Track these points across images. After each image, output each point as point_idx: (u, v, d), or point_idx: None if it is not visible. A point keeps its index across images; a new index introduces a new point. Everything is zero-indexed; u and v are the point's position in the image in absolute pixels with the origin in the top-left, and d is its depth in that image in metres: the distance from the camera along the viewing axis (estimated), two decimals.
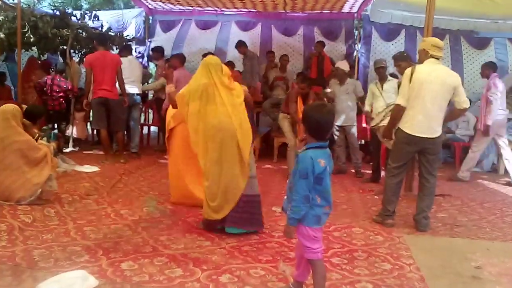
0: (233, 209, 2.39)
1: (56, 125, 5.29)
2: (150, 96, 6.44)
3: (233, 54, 6.63)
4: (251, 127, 2.50)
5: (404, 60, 3.67)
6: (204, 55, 5.01)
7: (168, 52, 6.26)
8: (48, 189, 2.82)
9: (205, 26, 6.94)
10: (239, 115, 2.43)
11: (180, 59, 4.92)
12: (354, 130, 4.57)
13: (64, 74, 5.21)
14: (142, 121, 6.25)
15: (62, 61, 5.50)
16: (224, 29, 6.91)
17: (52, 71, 5.30)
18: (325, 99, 4.45)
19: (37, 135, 3.19)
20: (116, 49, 5.64)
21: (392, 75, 4.42)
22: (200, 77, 2.51)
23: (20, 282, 1.77)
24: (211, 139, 2.39)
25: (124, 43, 5.74)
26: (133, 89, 4.85)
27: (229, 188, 2.39)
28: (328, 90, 4.29)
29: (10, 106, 2.89)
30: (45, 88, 4.94)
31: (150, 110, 6.74)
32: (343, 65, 4.61)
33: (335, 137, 4.58)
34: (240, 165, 2.39)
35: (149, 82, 6.09)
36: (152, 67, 6.89)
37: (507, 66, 6.29)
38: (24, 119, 3.11)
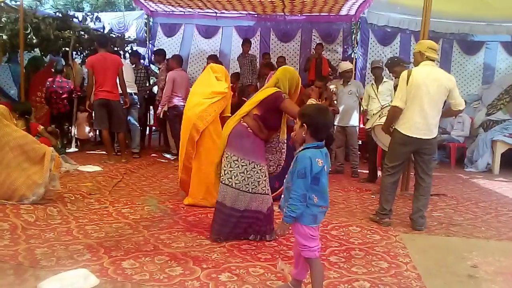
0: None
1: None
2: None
3: (234, 57, 6.77)
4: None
5: (398, 65, 3.75)
6: (209, 57, 5.05)
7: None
8: (51, 188, 2.85)
9: (207, 34, 7.02)
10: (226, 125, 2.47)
11: (177, 60, 4.98)
12: (355, 131, 4.60)
13: (63, 74, 5.24)
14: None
15: (63, 62, 5.55)
16: (225, 38, 7.02)
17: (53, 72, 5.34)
18: (329, 95, 4.49)
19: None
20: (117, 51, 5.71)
21: None
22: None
23: (23, 281, 1.79)
24: None
25: (116, 47, 5.80)
26: (130, 89, 4.90)
27: None
28: (332, 86, 4.35)
29: None
30: (51, 92, 4.98)
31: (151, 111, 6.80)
32: (347, 65, 4.66)
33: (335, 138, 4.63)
34: None
35: (150, 82, 6.16)
36: (153, 68, 6.96)
37: (494, 70, 6.36)
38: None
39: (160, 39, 7.14)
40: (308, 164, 1.57)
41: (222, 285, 1.83)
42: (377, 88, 4.15)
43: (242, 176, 2.30)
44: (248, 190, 2.32)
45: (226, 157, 2.34)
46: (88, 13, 6.16)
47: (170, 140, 5.28)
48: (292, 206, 1.60)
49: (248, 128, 2.35)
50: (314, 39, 6.73)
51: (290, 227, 1.67)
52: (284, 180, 1.74)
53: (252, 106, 2.36)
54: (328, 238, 2.48)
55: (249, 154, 2.32)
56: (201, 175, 3.03)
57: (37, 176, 2.78)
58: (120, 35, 6.33)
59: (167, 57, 5.66)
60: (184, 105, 4.54)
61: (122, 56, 5.49)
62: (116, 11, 9.93)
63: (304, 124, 1.65)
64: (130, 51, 6.29)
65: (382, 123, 3.02)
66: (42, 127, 3.69)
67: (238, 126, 2.36)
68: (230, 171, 2.31)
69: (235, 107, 3.18)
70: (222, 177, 2.34)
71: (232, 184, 2.31)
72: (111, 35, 6.11)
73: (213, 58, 4.77)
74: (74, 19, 5.44)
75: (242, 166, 2.30)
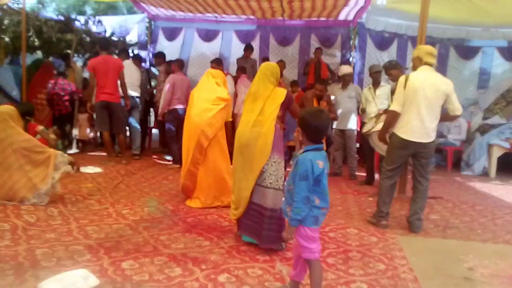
0: (244, 215, 2.35)
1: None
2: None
3: (234, 60, 6.82)
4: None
5: (395, 68, 3.80)
6: (213, 61, 5.13)
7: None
8: (52, 190, 2.87)
9: (207, 38, 7.08)
10: (261, 125, 2.31)
11: (179, 64, 5.02)
12: (354, 134, 4.63)
13: (64, 76, 5.28)
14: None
15: (64, 64, 5.59)
16: (225, 42, 7.09)
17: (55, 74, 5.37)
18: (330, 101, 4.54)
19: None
20: (117, 53, 5.75)
21: None
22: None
23: (23, 281, 1.80)
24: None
25: (122, 47, 5.84)
26: (132, 92, 4.93)
27: (239, 192, 2.38)
28: (332, 98, 4.41)
29: (6, 108, 2.92)
30: (53, 94, 5.02)
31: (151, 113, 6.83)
32: (348, 69, 4.70)
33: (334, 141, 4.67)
34: (249, 172, 2.31)
35: (152, 85, 6.20)
36: (153, 70, 7.01)
37: (490, 75, 6.42)
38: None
39: (161, 43, 7.20)
40: (310, 166, 1.60)
41: (220, 286, 1.85)
42: (375, 92, 4.20)
43: (282, 177, 2.31)
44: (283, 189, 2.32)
45: (274, 162, 2.28)
46: (90, 17, 6.22)
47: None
48: (297, 209, 1.62)
49: (281, 130, 2.42)
50: (313, 44, 6.79)
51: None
52: (286, 183, 1.77)
53: (277, 109, 2.37)
54: (325, 240, 2.50)
55: (284, 153, 2.39)
56: (209, 180, 3.08)
57: (38, 179, 2.79)
58: (121, 38, 6.37)
59: (167, 60, 5.70)
60: (183, 109, 4.59)
61: (127, 56, 5.48)
62: (118, 15, 9.98)
63: (299, 128, 1.70)
64: (132, 54, 6.34)
65: (380, 129, 3.05)
66: (41, 127, 3.71)
67: (278, 129, 2.34)
68: (276, 174, 2.29)
69: None
70: (271, 183, 2.26)
71: (280, 186, 2.29)
72: (112, 38, 6.15)
73: (216, 62, 4.81)
74: (76, 22, 5.49)
75: (283, 167, 2.34)
